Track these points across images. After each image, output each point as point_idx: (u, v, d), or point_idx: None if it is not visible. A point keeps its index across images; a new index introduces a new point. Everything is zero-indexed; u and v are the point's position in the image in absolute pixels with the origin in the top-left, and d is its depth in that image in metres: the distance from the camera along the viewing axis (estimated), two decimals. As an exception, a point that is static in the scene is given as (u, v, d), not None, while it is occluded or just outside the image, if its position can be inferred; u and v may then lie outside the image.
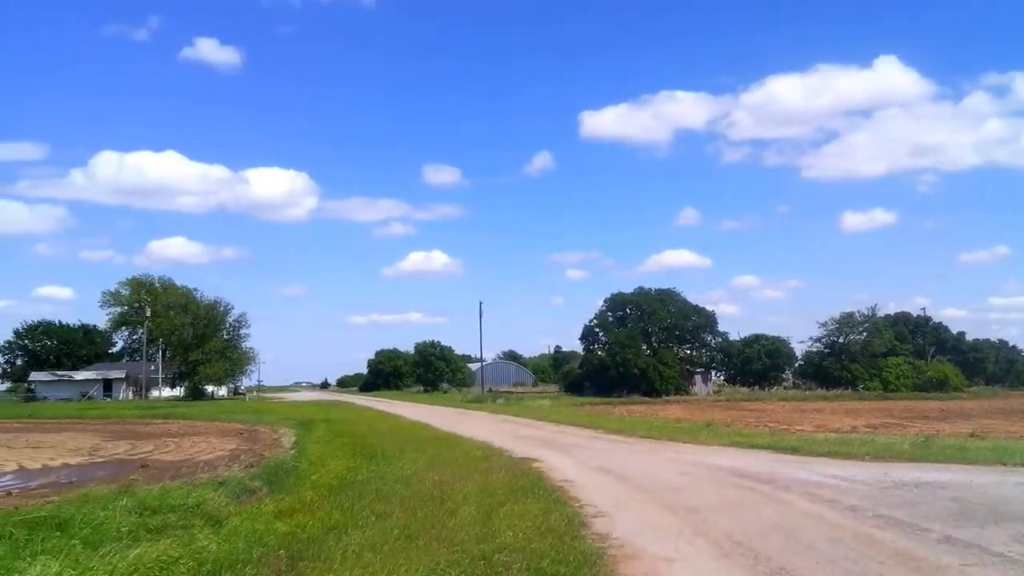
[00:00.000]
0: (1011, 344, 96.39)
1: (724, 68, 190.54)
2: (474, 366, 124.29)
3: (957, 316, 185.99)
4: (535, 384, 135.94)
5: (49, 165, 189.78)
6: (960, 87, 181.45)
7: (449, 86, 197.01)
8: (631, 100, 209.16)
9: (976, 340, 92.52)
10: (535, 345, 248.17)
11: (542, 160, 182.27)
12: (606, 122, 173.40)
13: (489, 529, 10.17)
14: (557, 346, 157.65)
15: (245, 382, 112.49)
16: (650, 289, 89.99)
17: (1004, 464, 17.61)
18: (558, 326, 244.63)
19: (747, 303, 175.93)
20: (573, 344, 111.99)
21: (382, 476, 15.52)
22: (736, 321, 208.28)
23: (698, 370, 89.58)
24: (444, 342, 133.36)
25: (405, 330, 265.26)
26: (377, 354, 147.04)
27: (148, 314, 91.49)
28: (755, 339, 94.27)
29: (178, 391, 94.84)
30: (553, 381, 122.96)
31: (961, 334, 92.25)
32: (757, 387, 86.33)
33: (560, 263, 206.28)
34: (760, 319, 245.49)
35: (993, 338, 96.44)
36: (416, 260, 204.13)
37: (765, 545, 9.66)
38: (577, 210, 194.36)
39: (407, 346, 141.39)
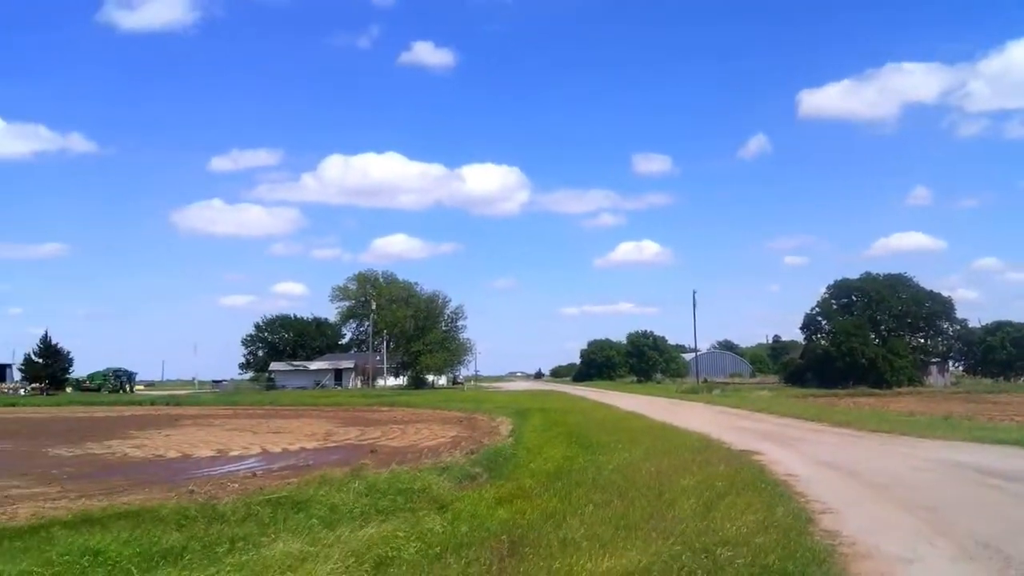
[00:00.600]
0: None
1: (958, 34, 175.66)
2: (688, 356, 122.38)
3: None
4: (752, 375, 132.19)
5: (283, 170, 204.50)
6: None
7: (659, 73, 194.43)
8: (854, 76, 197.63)
9: None
10: (751, 335, 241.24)
11: (757, 143, 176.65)
12: (827, 100, 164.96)
13: (710, 522, 9.91)
14: (775, 335, 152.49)
15: (463, 372, 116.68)
16: (878, 274, 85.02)
17: None
18: (775, 315, 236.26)
19: (989, 288, 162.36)
20: (792, 333, 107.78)
21: (598, 465, 15.54)
22: (976, 307, 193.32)
23: (933, 360, 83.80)
24: (656, 332, 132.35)
25: (616, 320, 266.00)
26: (589, 344, 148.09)
27: (373, 307, 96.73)
28: (998, 327, 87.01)
29: (401, 380, 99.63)
30: (772, 372, 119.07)
31: None
32: (1001, 378, 79.64)
33: (777, 250, 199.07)
34: (1005, 305, 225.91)
35: None
36: (626, 250, 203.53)
37: (1017, 549, 8.84)
38: (795, 194, 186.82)
39: (618, 336, 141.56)
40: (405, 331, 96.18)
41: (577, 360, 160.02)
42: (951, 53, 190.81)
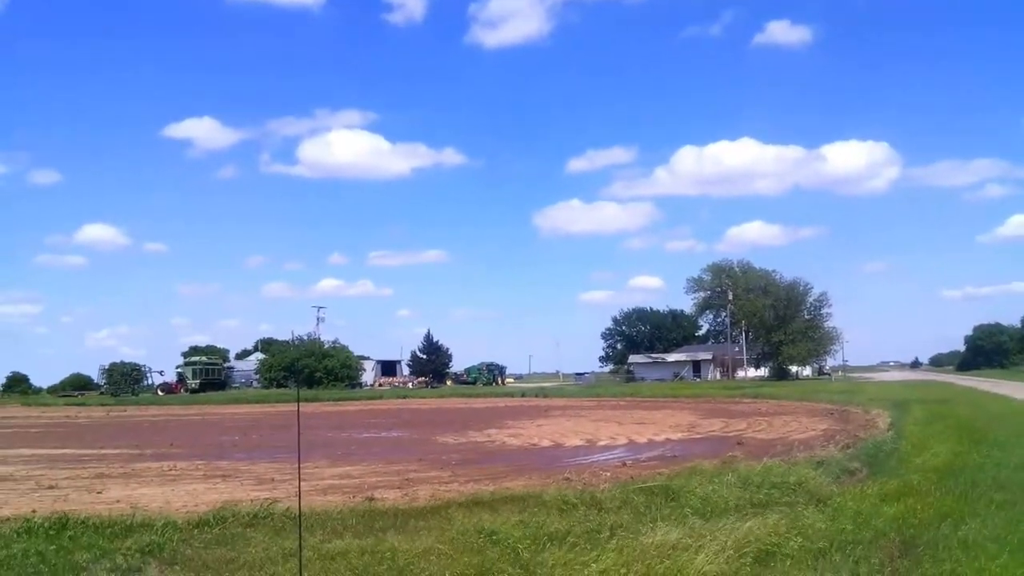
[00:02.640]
0: None
1: None
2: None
3: None
4: None
5: (637, 166, 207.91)
6: None
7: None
8: None
9: None
10: None
11: None
12: None
13: None
14: None
15: (829, 362, 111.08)
16: None
17: None
18: None
19: None
20: None
21: (997, 463, 13.99)
22: None
23: None
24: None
25: (1008, 302, 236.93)
26: (975, 329, 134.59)
27: (730, 297, 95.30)
28: None
29: (762, 371, 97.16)
30: None
31: None
32: None
33: None
34: None
35: None
36: (1019, 223, 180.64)
37: None
38: None
39: (1010, 320, 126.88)
40: (764, 321, 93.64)
41: (961, 347, 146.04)
42: None
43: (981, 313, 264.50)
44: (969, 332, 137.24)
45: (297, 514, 8.13)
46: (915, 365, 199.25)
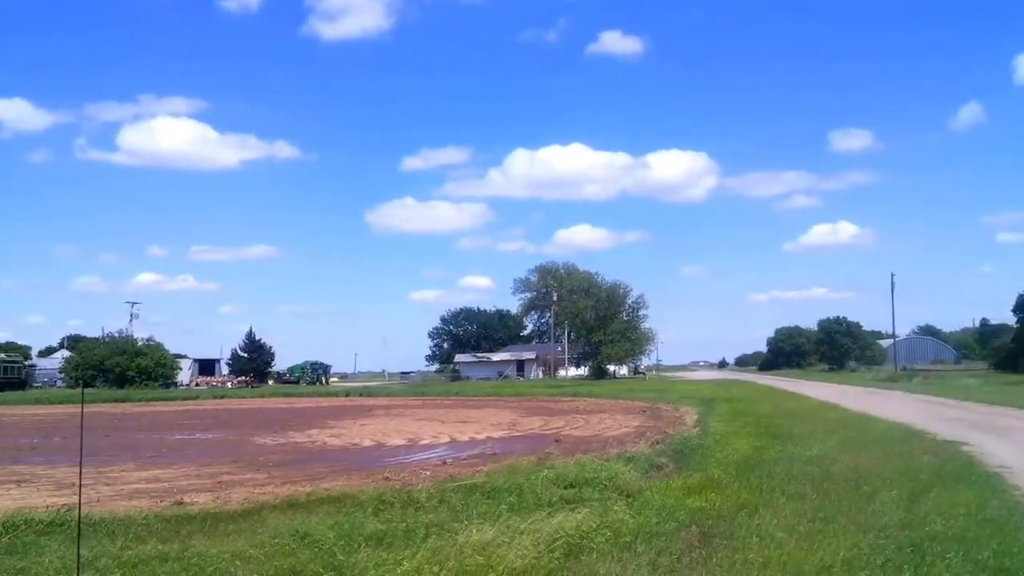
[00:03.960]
0: None
1: None
2: (885, 343, 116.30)
3: None
4: (957, 361, 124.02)
5: (471, 167, 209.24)
6: None
7: (857, 43, 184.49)
8: None
9: None
10: (957, 319, 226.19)
11: (969, 113, 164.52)
12: None
13: (914, 515, 9.38)
14: (984, 319, 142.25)
15: (644, 361, 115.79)
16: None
17: None
18: (985, 297, 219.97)
19: None
20: (1003, 316, 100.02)
21: (790, 457, 15.00)
22: None
23: None
24: (850, 318, 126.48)
25: (807, 306, 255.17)
26: (777, 332, 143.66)
27: (554, 298, 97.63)
28: None
29: (583, 370, 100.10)
30: (979, 358, 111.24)
31: None
32: None
33: (989, 227, 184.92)
34: None
35: None
36: (820, 233, 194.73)
37: None
38: (1011, 166, 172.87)
39: (809, 323, 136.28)
40: (586, 321, 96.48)
41: (764, 349, 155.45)
42: None
43: (784, 316, 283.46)
44: (771, 334, 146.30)
45: (77, 520, 7.68)
46: (722, 365, 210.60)
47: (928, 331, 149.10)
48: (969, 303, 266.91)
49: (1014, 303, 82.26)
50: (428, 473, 14.47)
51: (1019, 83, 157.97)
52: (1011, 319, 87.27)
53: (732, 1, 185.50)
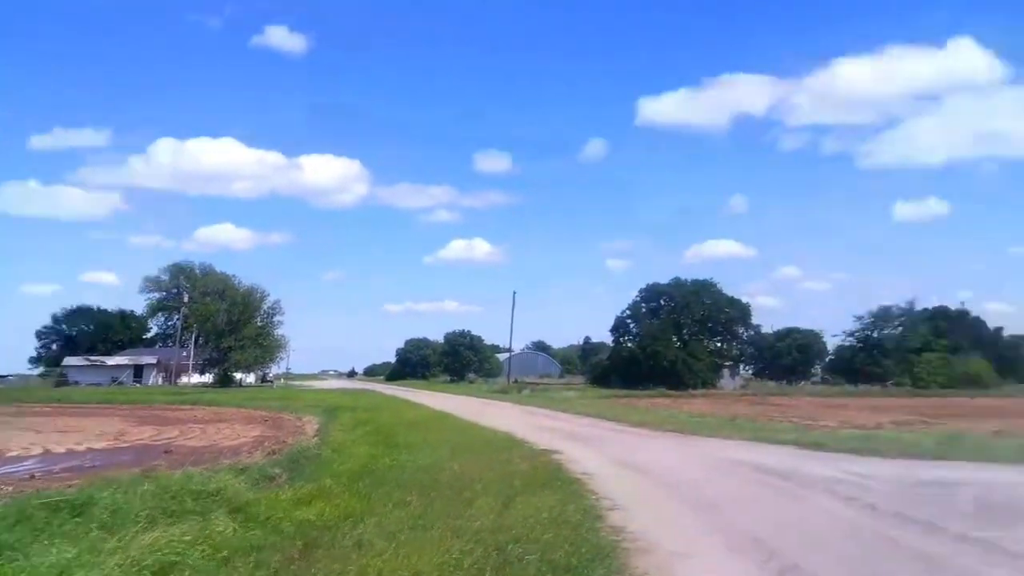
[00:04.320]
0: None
1: (791, 49, 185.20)
2: (502, 356, 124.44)
3: (999, 311, 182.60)
4: (562, 375, 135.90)
5: (109, 152, 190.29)
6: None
7: (504, 72, 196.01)
8: (691, 85, 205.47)
9: (1013, 336, 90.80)
10: (568, 336, 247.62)
11: (596, 147, 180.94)
12: (664, 108, 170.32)
13: (505, 520, 10.18)
14: (587, 337, 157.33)
15: (274, 369, 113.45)
16: (686, 280, 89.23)
17: (1032, 464, 17.36)
18: (595, 317, 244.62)
19: (788, 295, 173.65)
20: (603, 335, 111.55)
21: (403, 465, 15.58)
22: (775, 313, 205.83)
23: (727, 363, 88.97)
24: (477, 332, 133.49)
25: (440, 319, 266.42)
26: (406, 343, 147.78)
27: (185, 299, 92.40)
28: (788, 333, 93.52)
29: (207, 377, 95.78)
30: (581, 372, 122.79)
31: (999, 329, 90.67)
32: (785, 382, 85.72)
33: (604, 252, 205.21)
34: (801, 312, 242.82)
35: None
36: (457, 248, 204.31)
37: (781, 542, 9.60)
38: (628, 198, 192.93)
39: (437, 335, 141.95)
40: (217, 326, 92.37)
41: (393, 359, 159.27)
42: (782, 68, 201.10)
43: (416, 327, 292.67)
44: (402, 345, 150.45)
45: None
46: (351, 374, 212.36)
47: (540, 346, 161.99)
48: (579, 322, 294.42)
49: (612, 324, 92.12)
50: (10, 489, 13.06)
51: (640, 124, 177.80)
52: (609, 338, 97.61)
53: (397, 18, 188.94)
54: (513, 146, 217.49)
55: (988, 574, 8.31)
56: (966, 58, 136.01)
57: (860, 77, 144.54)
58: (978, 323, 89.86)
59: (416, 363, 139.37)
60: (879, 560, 8.80)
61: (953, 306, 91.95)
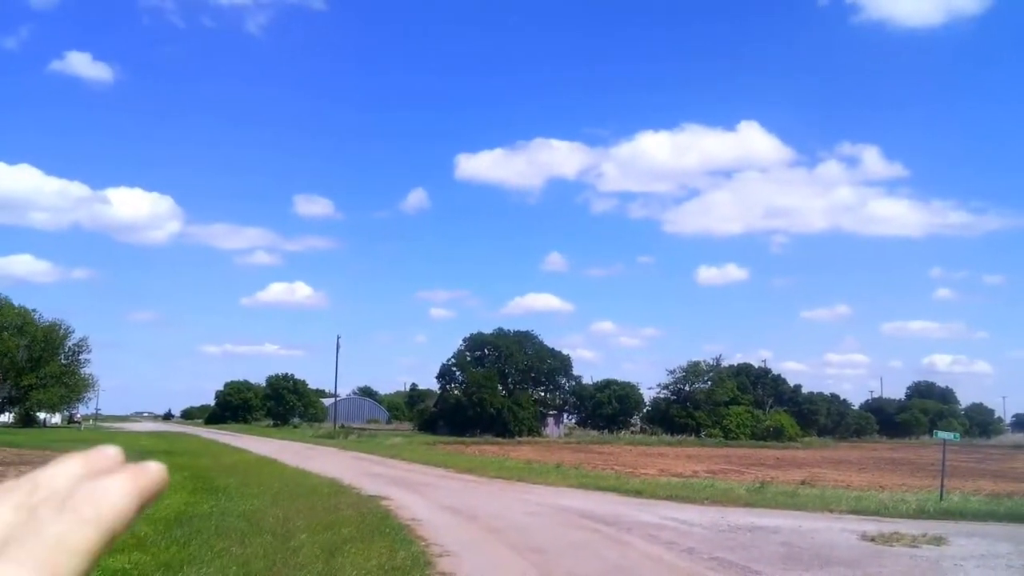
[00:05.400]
0: (843, 398, 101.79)
1: (599, 120, 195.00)
2: (328, 401, 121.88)
3: (796, 369, 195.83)
4: (389, 421, 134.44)
5: None
6: (815, 154, 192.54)
7: (325, 120, 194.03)
8: (507, 145, 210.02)
9: (811, 393, 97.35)
10: (393, 383, 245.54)
11: (417, 198, 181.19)
12: (481, 165, 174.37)
13: (331, 567, 10.00)
14: (413, 384, 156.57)
15: (81, 410, 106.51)
16: (509, 331, 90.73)
17: (831, 511, 18.64)
18: (419, 364, 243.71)
19: (604, 349, 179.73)
20: (429, 383, 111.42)
21: (223, 511, 15.00)
22: (593, 366, 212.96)
23: (551, 412, 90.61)
24: (300, 376, 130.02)
25: (260, 362, 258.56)
26: (226, 386, 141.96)
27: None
28: (607, 384, 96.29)
29: (7, 417, 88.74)
30: (408, 419, 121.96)
31: (798, 386, 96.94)
32: (606, 431, 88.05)
33: (426, 301, 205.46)
34: (616, 365, 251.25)
35: (827, 391, 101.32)
36: (278, 291, 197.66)
37: (605, 585, 9.89)
38: (448, 249, 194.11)
39: (259, 378, 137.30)
40: (15, 362, 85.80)
41: (213, 402, 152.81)
42: (592, 137, 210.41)
43: (236, 370, 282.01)
44: (221, 387, 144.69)
45: None
46: (167, 417, 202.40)
47: (366, 392, 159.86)
48: (405, 369, 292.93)
49: (438, 371, 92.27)
50: None
51: (459, 178, 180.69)
52: (435, 385, 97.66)
53: (206, 50, 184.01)
54: (335, 192, 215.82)
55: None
56: (754, 140, 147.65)
57: (661, 150, 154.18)
58: (779, 379, 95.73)
59: (237, 406, 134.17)
60: (696, 602, 9.23)
61: (756, 363, 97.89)
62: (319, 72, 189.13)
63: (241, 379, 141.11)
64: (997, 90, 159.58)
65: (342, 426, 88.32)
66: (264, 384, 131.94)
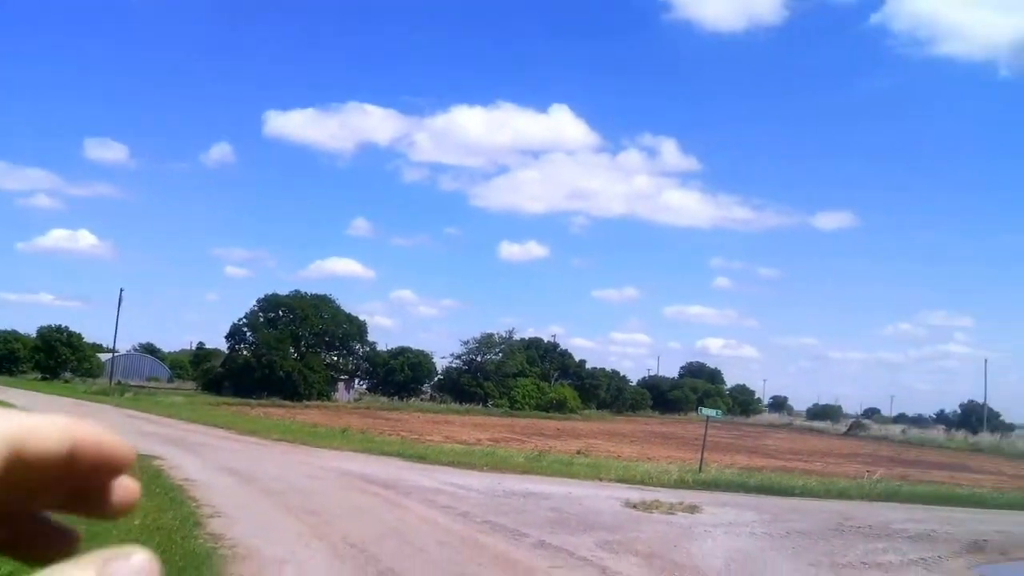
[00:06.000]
0: (623, 374, 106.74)
1: (416, 90, 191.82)
2: (104, 356, 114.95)
3: (584, 345, 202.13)
4: (171, 380, 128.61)
5: None
6: (619, 142, 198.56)
7: (125, 64, 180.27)
8: (320, 106, 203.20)
9: (595, 368, 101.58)
10: (180, 341, 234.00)
11: (220, 151, 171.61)
12: (292, 124, 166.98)
13: (91, 529, 9.53)
14: (200, 342, 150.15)
15: None
16: (306, 293, 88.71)
17: (600, 479, 19.71)
18: (208, 323, 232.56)
19: (403, 317, 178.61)
20: (218, 342, 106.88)
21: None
22: (390, 333, 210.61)
23: (343, 377, 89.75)
24: (77, 329, 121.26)
25: (32, 311, 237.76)
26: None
27: None
28: (401, 351, 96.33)
29: None
30: (192, 378, 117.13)
31: (583, 362, 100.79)
32: (397, 397, 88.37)
33: (222, 258, 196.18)
34: (412, 334, 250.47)
35: (609, 368, 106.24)
36: (58, 237, 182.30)
37: (379, 548, 10.02)
38: (250, 208, 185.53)
39: (31, 329, 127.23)
40: None
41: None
42: (407, 105, 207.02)
43: (4, 319, 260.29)
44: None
45: None
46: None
47: (148, 349, 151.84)
48: (194, 327, 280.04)
49: (228, 330, 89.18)
50: None
51: (267, 135, 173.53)
52: (224, 345, 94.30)
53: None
54: (131, 138, 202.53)
55: (553, 574, 9.36)
56: (564, 123, 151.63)
57: (474, 125, 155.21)
58: (566, 354, 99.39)
59: (2, 358, 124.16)
60: (467, 563, 9.54)
61: (546, 338, 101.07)
62: (120, 12, 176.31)
63: (9, 329, 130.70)
64: (784, 98, 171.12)
65: (119, 383, 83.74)
66: (35, 335, 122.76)
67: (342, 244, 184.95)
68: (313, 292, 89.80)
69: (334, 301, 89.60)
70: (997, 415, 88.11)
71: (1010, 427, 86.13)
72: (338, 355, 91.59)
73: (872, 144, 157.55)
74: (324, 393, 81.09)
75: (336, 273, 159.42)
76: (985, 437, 71.77)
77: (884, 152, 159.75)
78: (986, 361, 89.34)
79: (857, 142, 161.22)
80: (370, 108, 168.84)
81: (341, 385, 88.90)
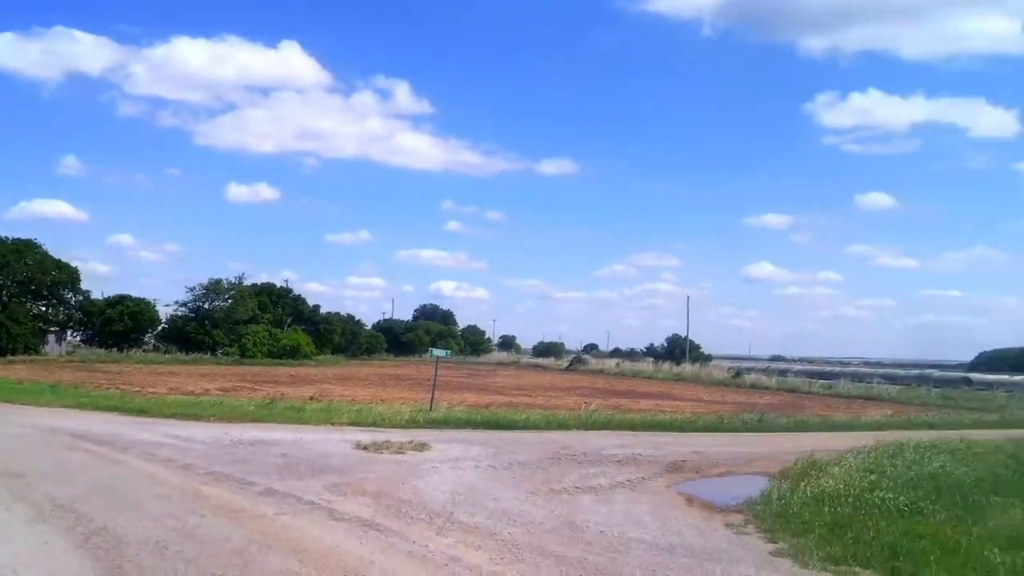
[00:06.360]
0: (357, 318, 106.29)
1: (132, 17, 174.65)
2: None
3: (318, 290, 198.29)
4: None
5: None
6: (352, 83, 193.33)
7: None
8: (20, 30, 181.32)
9: (329, 313, 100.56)
10: None
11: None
12: None
13: None
14: None
15: None
16: (7, 238, 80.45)
17: (333, 424, 19.78)
18: None
19: (121, 262, 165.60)
20: None
21: None
22: (107, 280, 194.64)
23: (53, 329, 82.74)
24: None
25: None
26: None
27: None
28: (120, 299, 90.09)
29: None
30: None
31: (317, 306, 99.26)
32: (116, 349, 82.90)
33: None
34: (133, 280, 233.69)
35: (344, 312, 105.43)
36: None
37: (90, 506, 9.53)
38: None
39: None
40: None
41: None
42: (122, 34, 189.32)
43: None
44: None
45: None
46: None
47: None
48: None
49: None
50: None
51: None
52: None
53: None
54: None
55: (278, 520, 9.37)
56: (293, 60, 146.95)
57: (198, 59, 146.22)
58: (299, 299, 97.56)
59: None
60: (187, 515, 9.30)
61: (279, 283, 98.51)
62: None
63: None
64: (515, 47, 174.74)
65: None
66: None
67: (49, 184, 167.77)
68: (16, 236, 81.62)
69: (40, 246, 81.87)
70: (698, 347, 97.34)
71: (708, 357, 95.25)
72: (47, 305, 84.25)
73: (593, 95, 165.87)
74: (32, 347, 74.51)
75: (43, 214, 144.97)
76: (687, 367, 79.24)
77: (604, 103, 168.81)
78: (688, 298, 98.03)
79: (580, 93, 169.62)
80: (79, 35, 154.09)
81: (51, 338, 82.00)
